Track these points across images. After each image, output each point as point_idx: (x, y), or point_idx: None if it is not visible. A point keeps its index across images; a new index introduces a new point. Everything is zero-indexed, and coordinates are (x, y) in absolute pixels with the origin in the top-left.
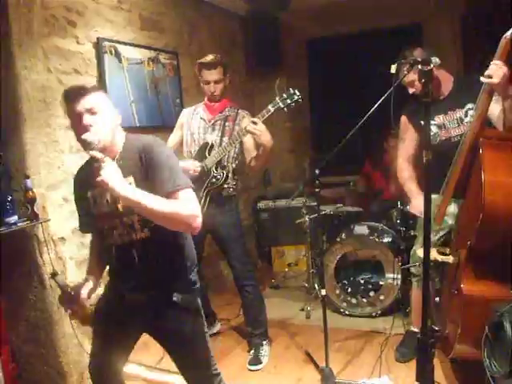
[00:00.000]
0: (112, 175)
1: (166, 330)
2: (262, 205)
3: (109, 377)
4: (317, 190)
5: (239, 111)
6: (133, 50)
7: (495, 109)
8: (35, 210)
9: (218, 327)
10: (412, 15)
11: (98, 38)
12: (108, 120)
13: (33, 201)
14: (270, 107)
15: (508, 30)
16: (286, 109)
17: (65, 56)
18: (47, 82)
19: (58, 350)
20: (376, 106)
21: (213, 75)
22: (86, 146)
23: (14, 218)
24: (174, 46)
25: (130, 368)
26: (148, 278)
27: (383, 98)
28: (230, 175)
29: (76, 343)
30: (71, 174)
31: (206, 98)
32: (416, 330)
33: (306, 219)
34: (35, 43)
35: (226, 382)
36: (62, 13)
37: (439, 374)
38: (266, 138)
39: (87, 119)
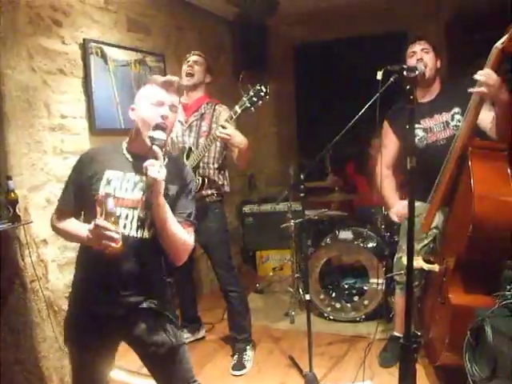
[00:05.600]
0: (162, 178)
1: (142, 340)
2: (247, 209)
3: None
4: (302, 194)
5: (216, 107)
6: (119, 52)
7: (487, 117)
8: (17, 211)
9: (202, 333)
10: (398, 23)
11: (84, 39)
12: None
13: (15, 202)
14: (236, 108)
15: (493, 37)
16: (253, 108)
17: (50, 56)
18: (31, 81)
19: (38, 355)
20: (361, 112)
21: (196, 58)
22: (154, 140)
23: None
24: (160, 49)
25: (112, 373)
26: (132, 279)
27: (368, 104)
28: (212, 178)
29: (57, 347)
30: (54, 176)
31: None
32: (399, 335)
33: (291, 224)
34: (20, 42)
35: None
36: (48, 12)
37: (422, 379)
38: (237, 140)
39: (166, 111)
